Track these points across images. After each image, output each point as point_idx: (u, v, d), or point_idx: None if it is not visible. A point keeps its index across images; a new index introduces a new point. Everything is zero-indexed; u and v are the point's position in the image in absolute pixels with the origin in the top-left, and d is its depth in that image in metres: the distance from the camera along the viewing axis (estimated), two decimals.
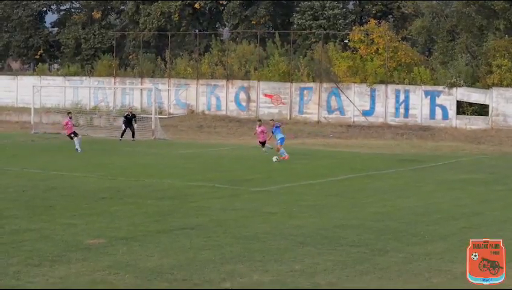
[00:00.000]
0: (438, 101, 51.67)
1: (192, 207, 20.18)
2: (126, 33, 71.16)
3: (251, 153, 36.49)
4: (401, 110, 52.68)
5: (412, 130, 50.18)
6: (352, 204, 21.28)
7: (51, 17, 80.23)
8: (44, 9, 78.24)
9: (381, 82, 53.39)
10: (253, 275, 12.84)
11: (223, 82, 58.19)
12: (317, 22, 63.98)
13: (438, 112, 51.69)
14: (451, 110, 51.29)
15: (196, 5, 69.42)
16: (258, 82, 56.91)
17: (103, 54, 68.87)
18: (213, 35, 65.27)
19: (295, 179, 27.20)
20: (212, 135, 50.45)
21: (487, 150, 42.36)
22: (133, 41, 71.28)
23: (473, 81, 52.01)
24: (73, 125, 38.60)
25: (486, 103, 50.68)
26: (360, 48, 55.46)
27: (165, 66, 63.21)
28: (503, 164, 34.88)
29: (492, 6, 53.60)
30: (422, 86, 52.20)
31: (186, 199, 21.55)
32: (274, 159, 33.02)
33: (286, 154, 33.59)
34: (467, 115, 51.40)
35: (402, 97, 52.68)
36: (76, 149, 36.75)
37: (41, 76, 65.90)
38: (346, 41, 60.30)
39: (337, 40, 60.39)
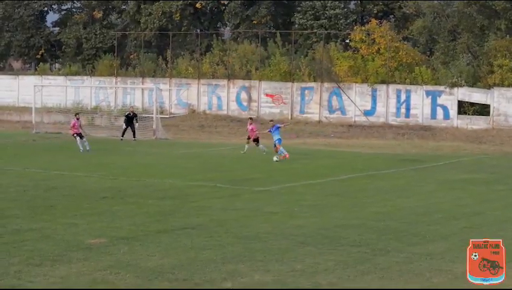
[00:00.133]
0: (439, 101, 51.66)
1: (193, 207, 20.19)
2: (127, 33, 71.15)
3: (252, 153, 36.48)
4: (403, 110, 52.66)
5: (413, 130, 50.16)
6: (353, 204, 21.29)
7: (52, 17, 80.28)
8: (46, 8, 78.19)
9: (383, 82, 53.37)
10: (254, 275, 12.85)
11: (224, 82, 58.19)
12: (318, 21, 63.95)
13: (439, 112, 51.68)
14: (453, 110, 51.28)
15: (197, 5, 69.39)
16: (259, 82, 56.91)
17: (104, 53, 68.86)
18: (214, 35, 65.25)
19: (296, 178, 27.20)
20: (214, 135, 50.43)
21: (488, 150, 42.34)
22: (134, 41, 71.26)
23: (474, 81, 51.99)
24: (80, 126, 38.40)
25: (488, 102, 50.66)
26: (361, 47, 55.44)
27: (166, 65, 63.22)
28: (504, 164, 34.87)
29: (493, 6, 53.59)
30: (424, 86, 52.19)
31: (187, 199, 21.55)
32: (274, 158, 33.07)
33: (286, 153, 33.64)
34: (468, 115, 51.38)
35: (403, 97, 52.67)
36: (80, 149, 36.76)
37: (43, 76, 65.91)
38: (347, 41, 60.31)
39: (339, 40, 60.38)
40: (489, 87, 50.65)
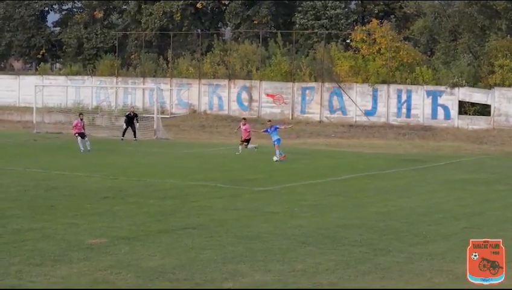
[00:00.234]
0: (440, 101, 51.64)
1: (194, 207, 20.18)
2: (128, 33, 71.15)
3: (253, 153, 36.47)
4: (403, 110, 52.65)
5: (414, 130, 50.16)
6: (354, 204, 21.29)
7: (53, 17, 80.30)
8: (46, 8, 78.21)
9: (383, 82, 53.35)
10: (255, 275, 12.85)
11: (225, 82, 58.18)
12: (319, 21, 63.97)
13: (440, 112, 51.67)
14: (453, 110, 51.27)
15: (198, 5, 69.40)
16: (260, 82, 56.91)
17: (105, 53, 68.85)
18: (215, 35, 65.24)
19: (297, 178, 27.20)
20: (214, 135, 50.44)
21: (489, 150, 42.35)
22: (135, 41, 71.25)
23: (475, 81, 51.98)
24: (83, 127, 38.32)
25: (488, 103, 50.66)
26: (362, 47, 55.43)
27: (167, 65, 63.21)
28: (505, 164, 34.88)
29: (494, 6, 53.59)
30: (424, 86, 52.17)
31: (188, 199, 21.55)
32: (274, 158, 33.09)
33: (283, 154, 33.61)
34: (469, 115, 51.37)
35: (404, 97, 52.66)
36: (81, 149, 36.75)
37: (43, 75, 65.87)
38: (348, 41, 60.30)
39: (339, 40, 60.38)
40: (490, 87, 50.64)
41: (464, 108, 51.66)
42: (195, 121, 56.02)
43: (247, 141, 36.80)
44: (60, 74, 68.21)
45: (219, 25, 74.77)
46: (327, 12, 64.14)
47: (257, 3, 67.71)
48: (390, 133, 49.83)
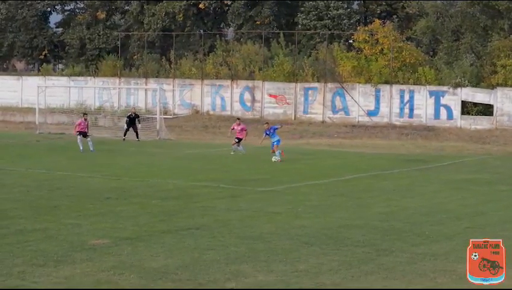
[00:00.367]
0: (443, 101, 51.60)
1: (197, 207, 20.18)
2: (131, 33, 71.21)
3: (256, 153, 36.48)
4: (406, 110, 52.62)
5: (416, 130, 50.13)
6: (357, 204, 21.28)
7: (55, 18, 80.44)
8: (49, 9, 78.31)
9: (386, 82, 53.33)
10: (258, 275, 12.85)
11: (228, 82, 58.18)
12: (321, 22, 63.97)
13: (443, 112, 51.62)
14: (456, 110, 51.23)
15: (201, 5, 69.45)
16: (262, 82, 56.89)
17: (108, 54, 68.91)
18: (218, 36, 65.25)
19: (300, 179, 27.20)
20: (217, 135, 50.41)
21: (492, 150, 42.32)
22: (138, 42, 71.30)
23: (478, 81, 51.95)
24: (87, 127, 38.32)
25: (491, 103, 50.62)
26: (364, 48, 55.42)
27: (170, 66, 63.24)
28: (508, 164, 34.85)
29: (496, 6, 53.57)
30: (427, 86, 52.14)
31: (190, 199, 21.55)
32: (273, 159, 33.09)
33: (281, 153, 33.56)
34: (472, 115, 51.33)
35: (407, 97, 52.63)
36: (80, 148, 36.75)
37: (46, 76, 65.86)
38: (350, 41, 60.28)
39: (342, 40, 60.39)
40: (492, 87, 50.60)
41: (467, 108, 51.63)
42: (197, 121, 56.02)
43: (239, 140, 36.92)
44: (62, 75, 68.19)
45: (221, 26, 74.77)
46: (329, 12, 64.14)
47: (259, 4, 67.73)
48: (393, 134, 49.81)
